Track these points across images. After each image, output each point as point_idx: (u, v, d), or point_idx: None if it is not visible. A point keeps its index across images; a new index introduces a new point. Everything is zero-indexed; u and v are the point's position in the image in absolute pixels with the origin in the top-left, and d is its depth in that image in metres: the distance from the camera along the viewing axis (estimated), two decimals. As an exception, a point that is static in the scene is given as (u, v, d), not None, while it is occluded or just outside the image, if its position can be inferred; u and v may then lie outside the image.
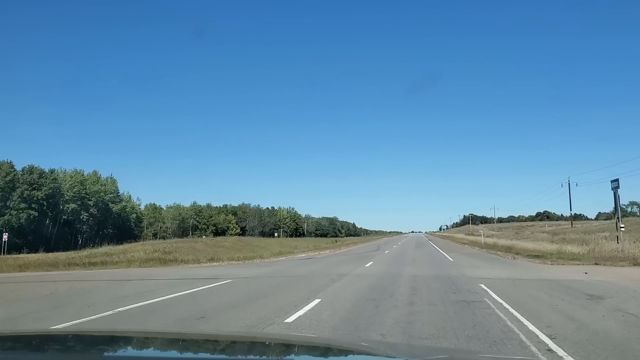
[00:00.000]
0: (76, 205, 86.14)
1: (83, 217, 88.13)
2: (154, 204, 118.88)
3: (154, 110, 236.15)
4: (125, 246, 51.43)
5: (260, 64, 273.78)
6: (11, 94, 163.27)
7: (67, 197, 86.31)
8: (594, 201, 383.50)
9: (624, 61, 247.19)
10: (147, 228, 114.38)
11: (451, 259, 25.54)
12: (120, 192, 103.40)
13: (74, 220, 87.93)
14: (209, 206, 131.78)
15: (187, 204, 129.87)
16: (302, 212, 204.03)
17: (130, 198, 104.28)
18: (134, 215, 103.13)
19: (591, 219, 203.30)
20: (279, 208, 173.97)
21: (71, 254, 42.66)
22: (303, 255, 33.93)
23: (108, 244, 65.11)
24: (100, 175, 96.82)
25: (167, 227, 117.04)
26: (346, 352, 2.63)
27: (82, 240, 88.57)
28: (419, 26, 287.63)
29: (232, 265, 25.82)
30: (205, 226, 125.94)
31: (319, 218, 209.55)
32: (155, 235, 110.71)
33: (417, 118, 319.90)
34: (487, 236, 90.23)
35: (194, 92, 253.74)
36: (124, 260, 31.40)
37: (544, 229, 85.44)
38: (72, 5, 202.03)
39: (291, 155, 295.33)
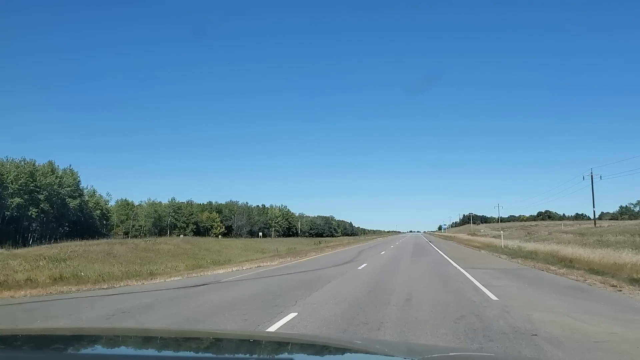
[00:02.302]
0: (22, 200, 71.86)
1: (31, 213, 73.77)
2: (125, 199, 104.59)
3: (152, 109, 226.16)
4: (25, 250, 37.99)
5: (260, 63, 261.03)
6: (12, 92, 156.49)
7: (12, 190, 72.09)
8: (587, 202, 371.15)
9: (625, 61, 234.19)
10: (117, 226, 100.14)
11: (492, 295, 10.84)
12: (85, 186, 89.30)
13: (21, 217, 73.72)
14: (189, 203, 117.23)
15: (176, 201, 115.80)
16: (302, 211, 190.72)
17: (94, 192, 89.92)
18: (99, 211, 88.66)
19: (593, 219, 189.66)
20: (271, 206, 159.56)
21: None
22: (222, 272, 19.60)
23: (66, 242, 52.00)
24: (57, 166, 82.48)
25: (140, 226, 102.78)
26: (344, 350, 2.51)
27: (32, 239, 74.34)
28: (419, 26, 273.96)
29: (39, 297, 11.67)
30: (184, 224, 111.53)
31: (314, 217, 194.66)
32: (126, 234, 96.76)
33: (417, 118, 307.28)
34: (494, 237, 74.90)
35: (193, 92, 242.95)
36: None
37: (563, 229, 70.56)
38: (72, 5, 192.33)
39: (290, 155, 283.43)
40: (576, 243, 39.99)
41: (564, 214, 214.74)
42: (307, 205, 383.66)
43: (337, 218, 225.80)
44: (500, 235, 79.49)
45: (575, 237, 51.12)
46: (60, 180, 79.67)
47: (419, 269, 18.50)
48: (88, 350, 2.23)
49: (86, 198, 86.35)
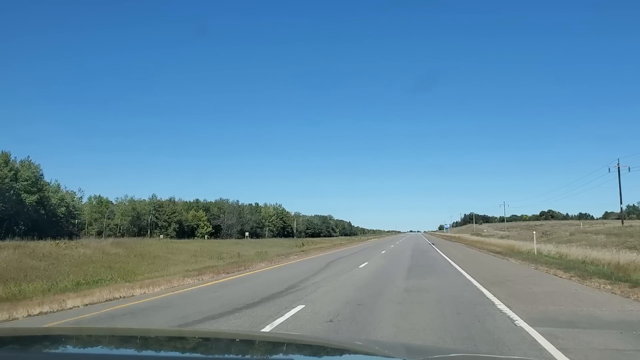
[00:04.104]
0: (-35, 195, 61.18)
1: (-22, 210, 63.06)
2: (99, 196, 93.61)
3: (147, 109, 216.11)
4: None
5: (261, 63, 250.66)
6: (11, 91, 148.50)
7: (-45, 184, 61.44)
8: (589, 201, 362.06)
9: (625, 61, 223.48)
10: (89, 225, 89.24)
11: None
12: (49, 180, 78.44)
13: (-34, 214, 63.05)
14: (171, 200, 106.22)
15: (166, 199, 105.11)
16: (302, 211, 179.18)
17: (59, 187, 79.02)
18: (64, 208, 77.76)
19: (597, 219, 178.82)
20: (265, 205, 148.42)
21: None
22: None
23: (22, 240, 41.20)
24: (15, 158, 71.57)
25: (116, 225, 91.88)
26: (343, 351, 2.45)
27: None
28: (419, 26, 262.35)
29: None
30: (166, 223, 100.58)
31: (311, 216, 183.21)
32: (100, 234, 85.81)
33: (417, 117, 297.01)
34: (502, 237, 63.31)
35: (194, 91, 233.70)
36: None
37: (589, 229, 59.01)
38: (73, 4, 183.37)
39: (289, 155, 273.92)
40: (613, 245, 29.31)
41: (567, 214, 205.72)
42: (306, 205, 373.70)
43: (336, 218, 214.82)
44: (505, 237, 67.85)
45: (608, 238, 39.90)
46: (15, 174, 68.88)
47: (422, 332, 7.35)
48: (88, 350, 2.20)
49: (49, 193, 75.46)
